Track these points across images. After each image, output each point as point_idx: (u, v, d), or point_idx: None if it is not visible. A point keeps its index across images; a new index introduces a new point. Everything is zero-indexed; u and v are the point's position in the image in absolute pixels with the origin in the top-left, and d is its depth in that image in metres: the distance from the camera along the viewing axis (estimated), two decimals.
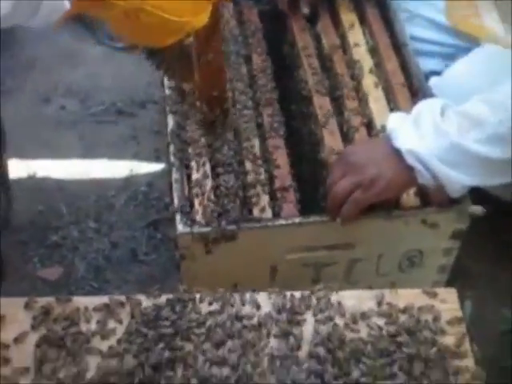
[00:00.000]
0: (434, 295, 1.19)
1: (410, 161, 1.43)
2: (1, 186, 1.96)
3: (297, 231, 1.57)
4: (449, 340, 1.14)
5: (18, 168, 2.10)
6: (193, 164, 1.66)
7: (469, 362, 1.12)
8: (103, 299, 1.17)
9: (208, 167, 1.65)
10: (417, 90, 1.74)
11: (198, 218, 1.58)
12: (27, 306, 1.16)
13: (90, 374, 1.10)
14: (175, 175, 1.64)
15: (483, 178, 1.43)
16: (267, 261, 1.61)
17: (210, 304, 1.17)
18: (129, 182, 2.11)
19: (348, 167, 1.50)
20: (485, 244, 1.96)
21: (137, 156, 2.16)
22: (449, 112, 1.44)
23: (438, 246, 1.66)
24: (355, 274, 1.66)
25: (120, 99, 2.30)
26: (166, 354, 1.11)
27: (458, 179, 1.43)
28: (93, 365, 1.11)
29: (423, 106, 1.49)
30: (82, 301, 1.17)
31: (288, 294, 1.19)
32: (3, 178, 1.99)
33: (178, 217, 1.57)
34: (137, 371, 1.09)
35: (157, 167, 2.13)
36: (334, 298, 1.18)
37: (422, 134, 1.42)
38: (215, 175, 1.65)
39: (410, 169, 1.44)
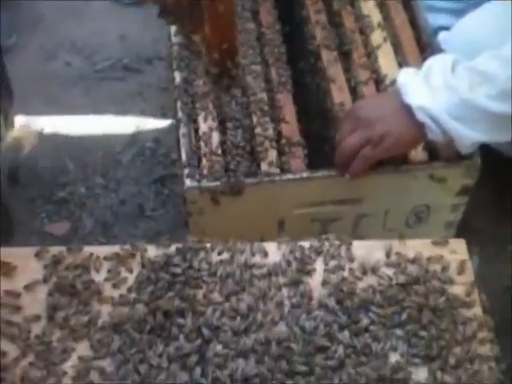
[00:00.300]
0: (442, 245, 1.19)
1: (420, 116, 1.42)
2: None
3: (304, 186, 1.57)
4: (457, 289, 1.15)
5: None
6: (200, 119, 1.66)
7: (477, 311, 1.13)
8: (114, 248, 1.18)
9: (216, 122, 1.65)
10: (425, 45, 1.73)
11: (206, 172, 1.59)
12: (38, 256, 1.17)
13: (101, 322, 1.12)
14: (183, 130, 1.64)
15: (493, 133, 1.43)
16: (275, 215, 1.62)
17: (220, 253, 1.18)
18: (135, 138, 2.11)
19: (357, 123, 1.49)
20: (490, 200, 1.96)
21: (143, 112, 2.15)
22: (459, 67, 1.43)
23: (446, 201, 1.66)
24: (362, 229, 1.66)
25: (126, 55, 2.28)
26: (177, 302, 1.11)
27: (468, 135, 1.42)
28: (104, 312, 1.12)
29: (434, 61, 1.48)
30: (92, 250, 1.17)
31: (297, 243, 1.19)
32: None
33: (185, 171, 1.58)
34: (148, 319, 1.10)
35: (163, 123, 2.12)
36: (343, 247, 1.19)
37: (433, 90, 1.42)
38: (223, 130, 1.65)
39: (420, 125, 1.44)
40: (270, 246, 1.19)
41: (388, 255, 1.18)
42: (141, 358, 1.07)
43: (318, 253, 1.18)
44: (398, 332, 1.10)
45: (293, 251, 1.18)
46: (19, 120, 2.05)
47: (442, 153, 1.65)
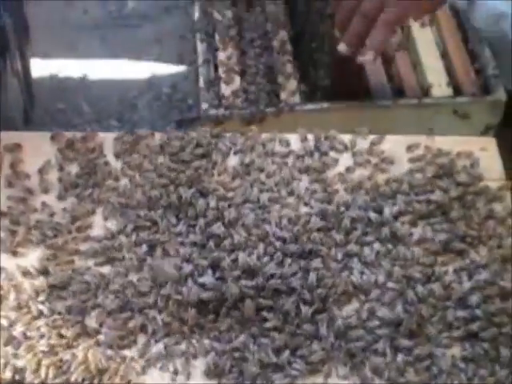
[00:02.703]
0: (472, 142, 1.15)
1: None
2: (23, 83, 1.94)
3: (325, 116, 1.54)
4: (487, 184, 1.09)
5: (40, 67, 2.06)
6: (220, 47, 1.65)
7: (507, 205, 1.08)
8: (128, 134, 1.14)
9: (236, 51, 1.64)
10: None
11: (225, 101, 1.57)
12: (53, 139, 1.13)
13: (114, 201, 1.07)
14: (202, 57, 1.64)
15: None
16: None
17: (241, 142, 1.13)
18: (152, 83, 2.06)
19: None
20: None
21: (160, 59, 2.11)
22: None
23: None
24: None
25: (143, 3, 2.24)
26: (194, 186, 1.07)
27: None
28: (119, 192, 1.08)
29: None
30: (107, 136, 1.13)
31: (321, 135, 1.15)
32: (26, 75, 1.96)
33: (203, 97, 1.56)
34: (163, 198, 1.06)
35: (180, 70, 2.08)
36: (368, 141, 1.15)
37: None
38: (243, 59, 1.64)
39: None
40: (293, 138, 1.15)
41: (416, 148, 1.13)
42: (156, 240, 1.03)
43: (342, 144, 1.14)
44: (426, 222, 1.05)
45: (316, 143, 1.14)
46: (36, 63, 2.01)
47: (466, 88, 1.62)
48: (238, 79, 1.61)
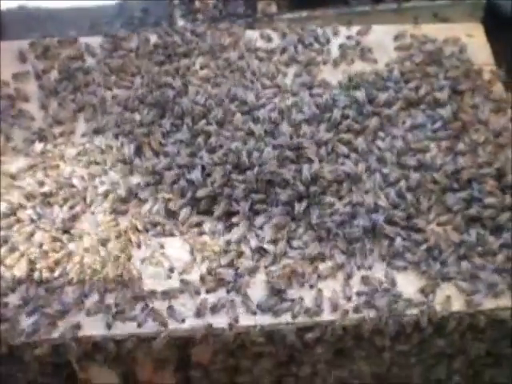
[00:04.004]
0: (458, 29, 1.13)
1: None
2: None
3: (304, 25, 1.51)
4: (476, 68, 1.08)
5: None
6: None
7: (497, 89, 1.06)
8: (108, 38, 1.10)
9: None
10: None
11: (200, 14, 1.53)
12: (30, 46, 1.10)
13: (95, 101, 1.04)
14: None
15: None
16: None
17: (223, 38, 1.10)
18: (123, 8, 2.01)
19: None
20: None
21: None
22: None
23: None
24: None
25: None
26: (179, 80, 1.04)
27: None
28: (106, 95, 1.06)
29: None
30: (86, 40, 1.10)
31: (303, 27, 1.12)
32: None
33: (177, 12, 1.52)
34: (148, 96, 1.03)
35: None
36: (353, 32, 1.12)
37: None
38: None
39: None
40: (275, 33, 1.12)
41: (403, 37, 1.11)
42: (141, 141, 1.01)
43: (326, 36, 1.11)
44: (418, 109, 1.04)
45: (299, 36, 1.11)
46: None
47: None
48: None
